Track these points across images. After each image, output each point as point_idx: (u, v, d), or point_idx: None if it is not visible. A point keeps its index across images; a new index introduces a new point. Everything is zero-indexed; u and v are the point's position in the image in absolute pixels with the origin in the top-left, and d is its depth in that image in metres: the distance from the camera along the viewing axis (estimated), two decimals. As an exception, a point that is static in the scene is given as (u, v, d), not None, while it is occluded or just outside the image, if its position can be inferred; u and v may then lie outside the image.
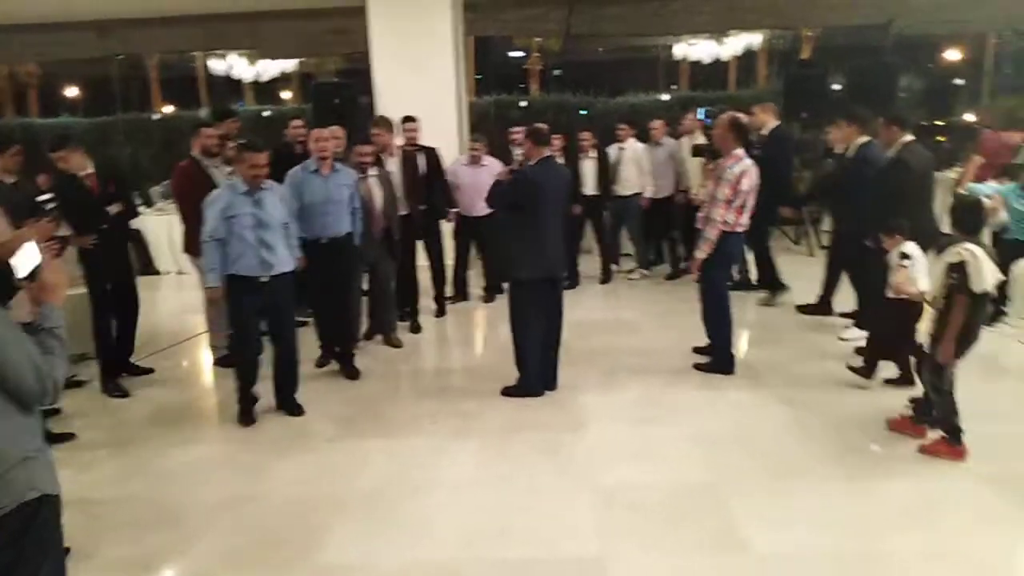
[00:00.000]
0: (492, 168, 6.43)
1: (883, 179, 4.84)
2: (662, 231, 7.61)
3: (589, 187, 7.00)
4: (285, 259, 4.30)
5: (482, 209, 6.36)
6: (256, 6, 9.49)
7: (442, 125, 7.70)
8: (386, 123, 5.93)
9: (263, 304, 4.28)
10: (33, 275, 2.10)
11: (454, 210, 6.49)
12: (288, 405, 4.51)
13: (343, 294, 5.08)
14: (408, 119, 6.22)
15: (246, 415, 4.38)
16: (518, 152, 6.80)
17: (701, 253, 4.60)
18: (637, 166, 7.11)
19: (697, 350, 5.03)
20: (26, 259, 2.11)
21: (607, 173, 7.12)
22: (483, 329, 6.39)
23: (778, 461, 3.67)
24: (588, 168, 7.00)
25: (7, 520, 1.91)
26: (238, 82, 13.29)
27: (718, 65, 13.44)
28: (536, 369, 4.56)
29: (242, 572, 3.00)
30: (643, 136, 7.28)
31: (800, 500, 3.31)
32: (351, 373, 5.07)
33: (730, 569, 2.87)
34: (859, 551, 2.93)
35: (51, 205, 4.68)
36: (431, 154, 6.23)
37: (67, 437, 4.24)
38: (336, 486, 3.64)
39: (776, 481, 3.48)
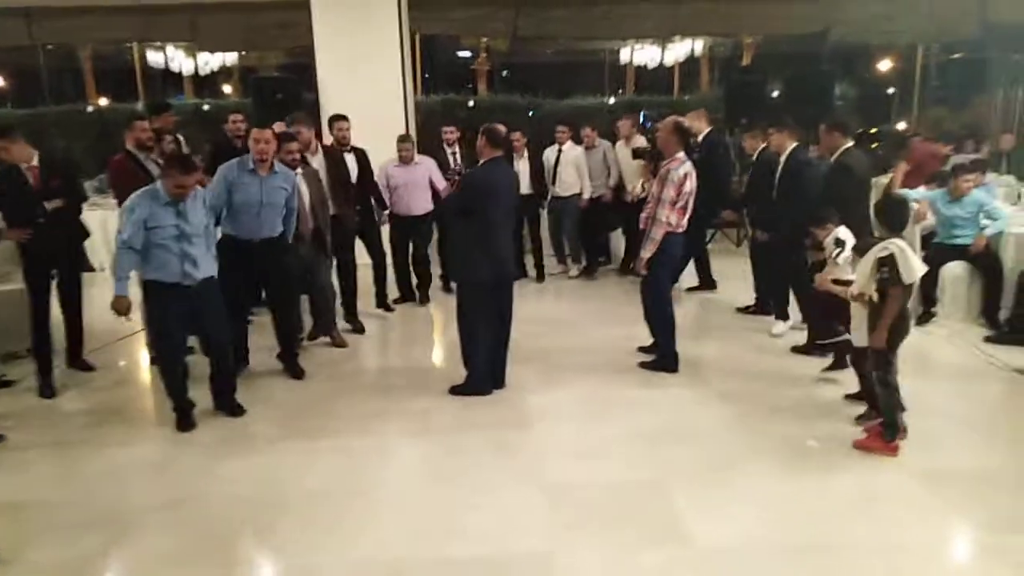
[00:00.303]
0: (426, 165, 6.43)
1: (826, 183, 5.01)
2: (601, 230, 7.75)
3: (523, 187, 7.01)
4: (208, 265, 4.15)
5: (419, 208, 6.38)
6: (196, -3, 9.27)
7: (388, 123, 7.64)
8: (306, 120, 5.65)
9: (189, 308, 4.09)
10: None
11: (386, 211, 6.34)
12: (227, 406, 4.39)
13: (279, 294, 4.96)
14: (339, 118, 6.01)
15: (184, 421, 4.21)
16: (451, 151, 6.78)
17: (647, 252, 4.67)
18: (576, 167, 7.26)
19: (642, 349, 5.11)
20: None
21: (542, 173, 7.28)
22: (428, 328, 6.36)
23: (721, 456, 3.76)
24: (522, 168, 7.07)
25: None
26: (177, 75, 12.89)
27: (662, 70, 13.67)
28: (485, 368, 4.55)
29: (182, 574, 2.91)
30: (579, 139, 7.41)
31: (743, 494, 3.39)
32: (296, 373, 4.97)
33: (676, 563, 2.91)
34: (800, 544, 3.01)
35: None
36: (361, 155, 6.04)
37: (-5, 439, 4.06)
38: (280, 487, 3.56)
39: (719, 476, 3.56)
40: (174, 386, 4.20)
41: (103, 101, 12.84)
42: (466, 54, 15.32)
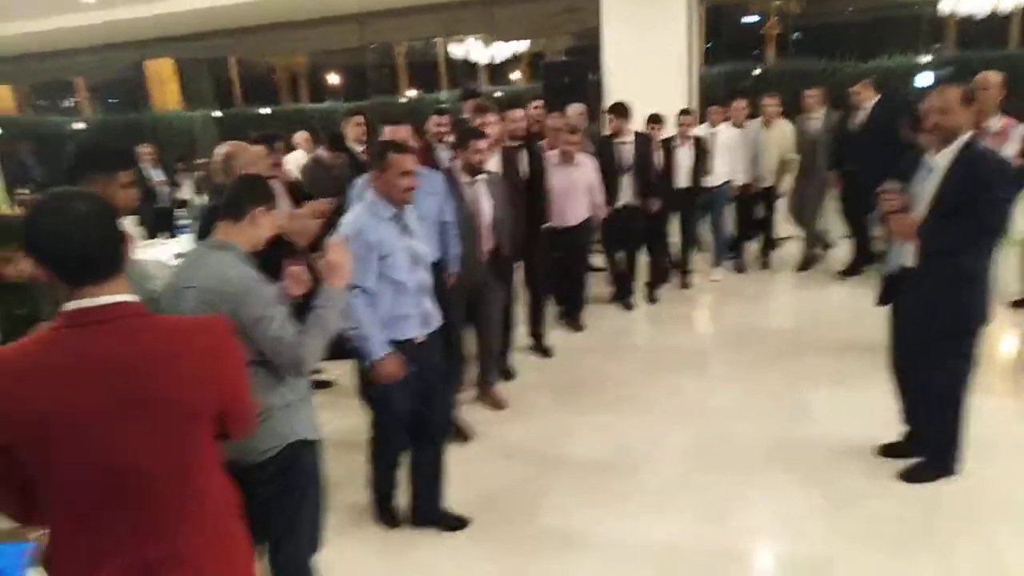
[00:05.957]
0: (589, 167, 5.22)
1: None
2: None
3: (683, 179, 6.13)
4: (436, 308, 3.12)
5: (577, 217, 5.19)
6: (494, -9, 9.98)
7: (670, 100, 7.53)
8: (487, 109, 4.57)
9: (417, 373, 2.98)
10: (314, 247, 2.33)
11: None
12: (436, 518, 3.25)
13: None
14: (512, 107, 4.91)
15: (388, 516, 3.30)
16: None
17: None
18: (729, 152, 6.40)
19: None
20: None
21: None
22: (688, 313, 6.20)
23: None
24: (684, 154, 6.07)
25: (274, 460, 2.17)
26: (474, 65, 13.99)
27: (994, 20, 11.65)
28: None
29: (473, 525, 3.23)
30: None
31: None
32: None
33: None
34: None
35: None
36: (535, 152, 4.84)
37: (326, 384, 4.82)
38: (555, 453, 3.77)
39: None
40: (384, 476, 3.26)
41: (411, 92, 14.43)
42: (753, 19, 14.51)
